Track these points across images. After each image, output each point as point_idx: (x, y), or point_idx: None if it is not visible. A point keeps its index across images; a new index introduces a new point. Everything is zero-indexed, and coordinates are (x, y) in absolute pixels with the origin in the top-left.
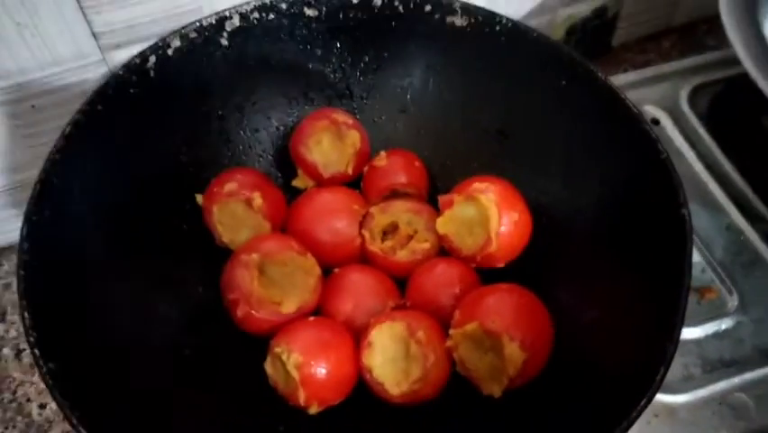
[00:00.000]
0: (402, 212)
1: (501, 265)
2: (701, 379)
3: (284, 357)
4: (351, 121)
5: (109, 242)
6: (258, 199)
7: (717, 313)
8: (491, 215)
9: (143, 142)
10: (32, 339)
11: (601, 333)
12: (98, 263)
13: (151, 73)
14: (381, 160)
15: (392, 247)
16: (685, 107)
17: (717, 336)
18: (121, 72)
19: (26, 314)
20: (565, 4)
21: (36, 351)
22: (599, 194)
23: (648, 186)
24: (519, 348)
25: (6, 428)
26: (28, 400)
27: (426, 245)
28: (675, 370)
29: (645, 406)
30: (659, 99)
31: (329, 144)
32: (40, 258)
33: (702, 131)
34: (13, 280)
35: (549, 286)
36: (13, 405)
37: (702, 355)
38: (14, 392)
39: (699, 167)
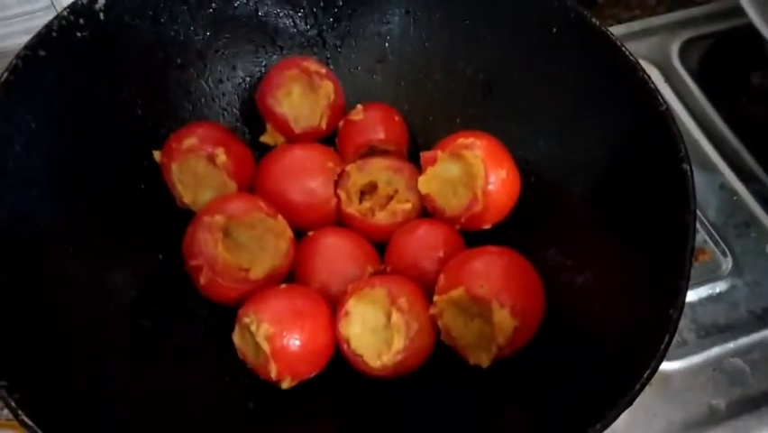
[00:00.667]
0: (381, 170)
1: (488, 227)
2: (695, 345)
3: (253, 328)
4: (324, 70)
5: (58, 204)
6: (221, 156)
7: (710, 276)
8: (477, 172)
9: (93, 93)
10: None
11: (596, 297)
12: (46, 228)
13: (101, 15)
14: (358, 114)
15: (370, 208)
16: (676, 62)
17: (710, 299)
18: (66, 14)
19: None
20: None
21: None
22: (593, 150)
23: (646, 139)
24: (510, 315)
25: None
26: None
27: (408, 206)
28: None
29: (650, 377)
30: (648, 54)
31: (300, 96)
32: None
33: (694, 87)
34: None
35: (538, 248)
36: None
37: (696, 320)
38: None
39: (690, 124)
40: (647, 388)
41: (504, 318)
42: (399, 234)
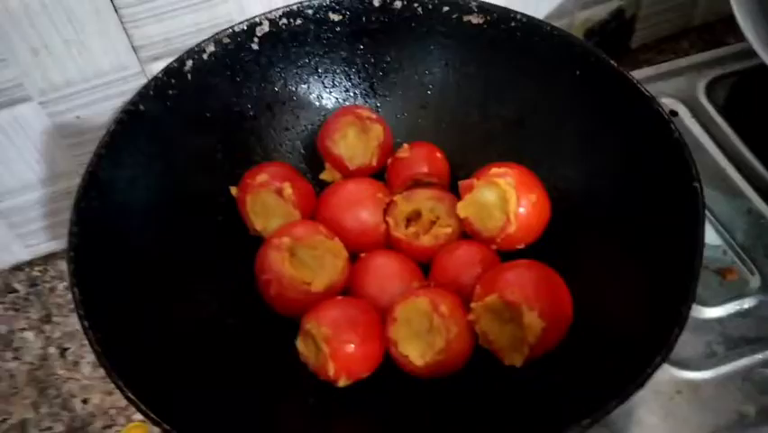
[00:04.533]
0: (425, 199)
1: (521, 247)
2: (724, 356)
3: (314, 332)
4: (374, 116)
5: (152, 231)
6: (288, 189)
7: (739, 293)
8: (509, 197)
9: (181, 140)
10: (85, 324)
11: (619, 305)
12: (142, 251)
13: (188, 76)
14: (404, 151)
15: (415, 233)
16: (702, 99)
17: (739, 314)
18: (161, 75)
19: (76, 291)
20: (582, 8)
21: (85, 322)
22: (615, 176)
23: (662, 164)
24: (538, 317)
25: (53, 422)
26: (72, 395)
27: (448, 230)
28: (698, 347)
29: (660, 363)
30: (676, 92)
31: (354, 138)
32: (87, 243)
33: (720, 120)
34: (58, 284)
35: (568, 266)
36: (59, 400)
37: (725, 334)
38: (60, 388)
39: (718, 155)
40: (678, 396)
41: (533, 320)
42: (442, 254)
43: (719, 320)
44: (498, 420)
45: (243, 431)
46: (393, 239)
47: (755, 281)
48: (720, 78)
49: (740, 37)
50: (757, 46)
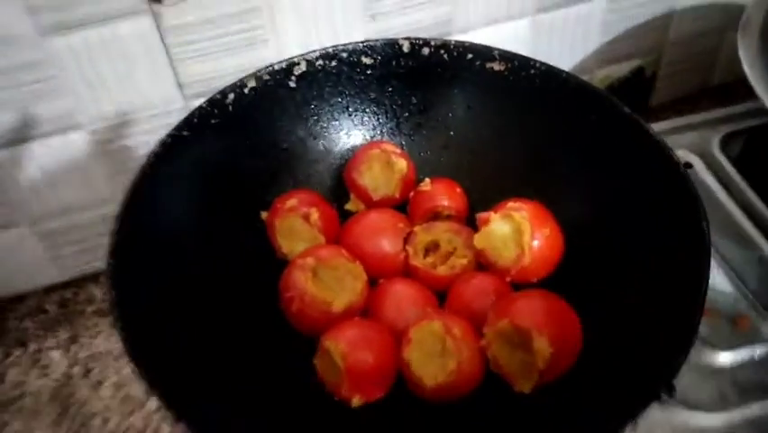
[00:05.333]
0: (443, 231)
1: (534, 281)
2: (736, 402)
3: (332, 348)
4: (399, 151)
5: (185, 248)
6: (314, 214)
7: (751, 340)
8: (524, 230)
9: (219, 165)
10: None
11: (627, 334)
12: (175, 265)
13: (230, 108)
14: (426, 185)
15: (433, 263)
16: (717, 152)
17: (752, 362)
18: (205, 105)
19: (113, 293)
20: (603, 65)
21: (119, 324)
22: (627, 216)
23: (671, 206)
24: (547, 342)
25: None
26: (93, 414)
27: (464, 261)
28: (710, 392)
29: (662, 395)
30: (691, 145)
31: (379, 171)
32: (125, 253)
33: (734, 173)
34: (87, 307)
35: (578, 297)
36: (79, 418)
37: (737, 380)
38: (81, 407)
39: (731, 206)
40: None
41: (542, 345)
42: (458, 283)
43: (731, 366)
44: None
45: None
46: (411, 267)
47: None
48: (734, 134)
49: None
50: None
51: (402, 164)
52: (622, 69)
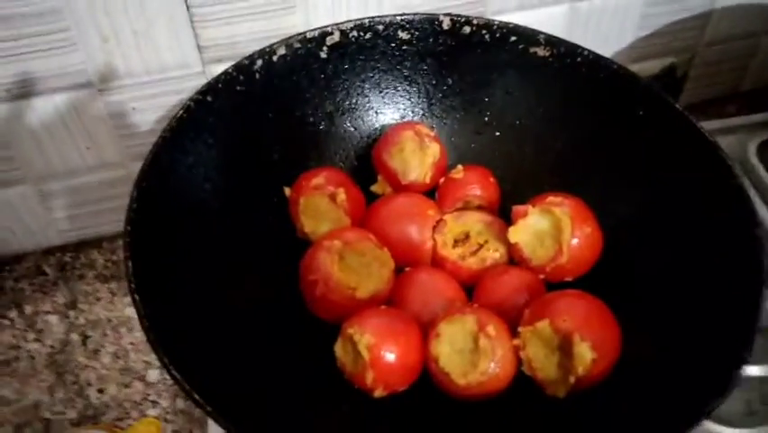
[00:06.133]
0: (474, 222)
1: (569, 279)
2: (764, 417)
3: (356, 337)
4: (433, 134)
5: (204, 218)
6: (342, 195)
7: None
8: (564, 226)
9: (242, 135)
10: (136, 297)
11: (669, 347)
12: (193, 234)
13: (257, 75)
14: (458, 172)
15: (462, 254)
16: (754, 159)
17: None
18: (231, 70)
19: (129, 264)
20: (635, 60)
21: (136, 296)
22: (672, 220)
23: (722, 209)
24: (590, 348)
25: (65, 408)
26: (89, 383)
27: (496, 255)
28: (737, 405)
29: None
30: (727, 150)
31: (410, 153)
32: (143, 220)
33: None
34: (88, 272)
35: (615, 302)
36: (75, 387)
37: (765, 394)
38: (77, 375)
39: (766, 215)
40: None
41: (584, 351)
42: (488, 277)
43: (761, 380)
44: None
45: (275, 424)
46: (439, 257)
47: None
48: None
49: None
50: None
51: (435, 148)
52: (654, 67)
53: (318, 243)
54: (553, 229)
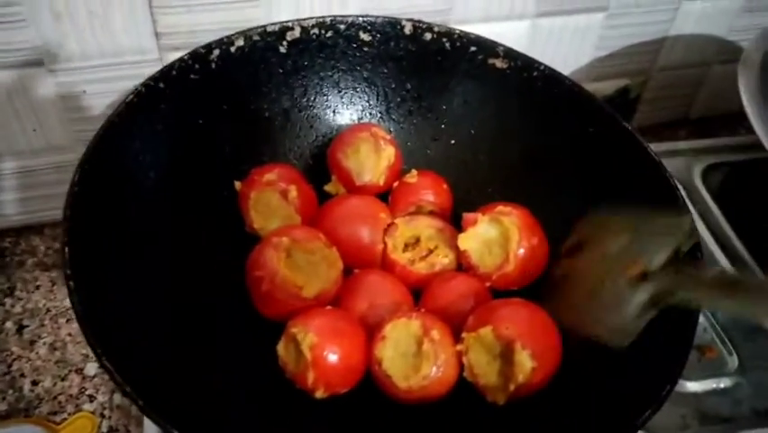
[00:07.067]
0: (425, 227)
1: (515, 288)
2: (698, 431)
3: (299, 337)
4: (389, 137)
5: (149, 207)
6: (293, 192)
7: (716, 372)
8: (512, 236)
9: (194, 126)
10: (70, 284)
11: (607, 357)
12: (137, 223)
13: (213, 65)
14: (412, 177)
15: (412, 258)
16: (698, 182)
17: (715, 392)
18: (186, 58)
19: (66, 250)
20: (592, 80)
21: (71, 283)
22: None
23: None
24: (530, 356)
25: None
26: (22, 375)
27: (445, 261)
28: (673, 418)
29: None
30: (673, 172)
31: (366, 155)
32: (84, 206)
33: (713, 205)
34: (28, 259)
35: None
36: (7, 378)
37: (699, 409)
38: (10, 366)
39: (708, 237)
40: None
41: (524, 359)
42: (436, 283)
43: (696, 395)
44: None
45: (210, 422)
46: (389, 261)
47: (733, 362)
48: (716, 166)
49: (735, 132)
50: (764, 138)
51: (391, 151)
52: (608, 87)
53: (266, 239)
54: (501, 238)
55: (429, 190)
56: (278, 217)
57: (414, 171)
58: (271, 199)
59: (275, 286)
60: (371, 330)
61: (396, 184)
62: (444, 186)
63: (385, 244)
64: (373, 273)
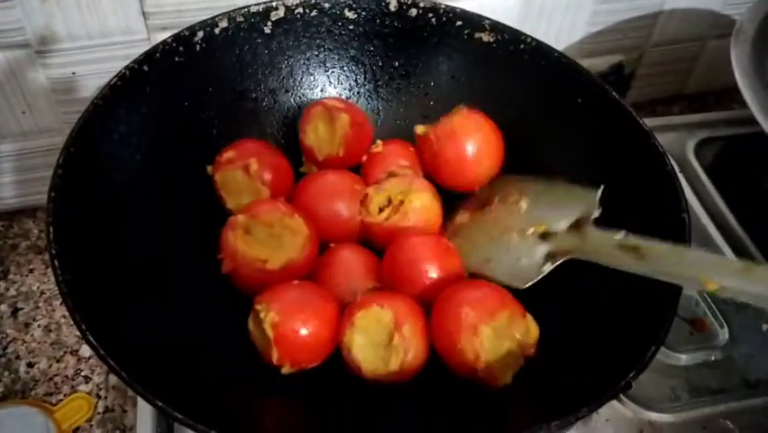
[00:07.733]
0: (394, 186)
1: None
2: (688, 403)
3: (262, 315)
4: (341, 105)
5: (134, 190)
6: (254, 165)
7: (707, 344)
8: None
9: (179, 109)
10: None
11: (595, 325)
12: (122, 205)
13: (197, 47)
14: (378, 147)
15: (387, 216)
16: (691, 157)
17: (706, 364)
18: (170, 40)
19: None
20: (585, 56)
21: (56, 261)
22: (605, 204)
23: (653, 193)
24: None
25: None
26: (17, 357)
27: (417, 204)
28: (663, 390)
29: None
30: (667, 147)
31: (322, 129)
32: (69, 187)
33: (706, 179)
34: (21, 242)
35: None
36: (2, 360)
37: (690, 381)
38: (5, 348)
39: (700, 211)
40: None
41: (532, 324)
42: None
43: (686, 367)
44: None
45: (191, 391)
46: (366, 225)
47: (724, 335)
48: (709, 140)
49: (729, 107)
50: (757, 112)
51: (344, 119)
52: (602, 64)
53: (228, 220)
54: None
55: (398, 157)
56: (247, 193)
57: (379, 142)
58: (236, 177)
59: (238, 264)
60: (344, 303)
61: (365, 158)
62: (411, 149)
63: (362, 214)
64: (347, 248)
